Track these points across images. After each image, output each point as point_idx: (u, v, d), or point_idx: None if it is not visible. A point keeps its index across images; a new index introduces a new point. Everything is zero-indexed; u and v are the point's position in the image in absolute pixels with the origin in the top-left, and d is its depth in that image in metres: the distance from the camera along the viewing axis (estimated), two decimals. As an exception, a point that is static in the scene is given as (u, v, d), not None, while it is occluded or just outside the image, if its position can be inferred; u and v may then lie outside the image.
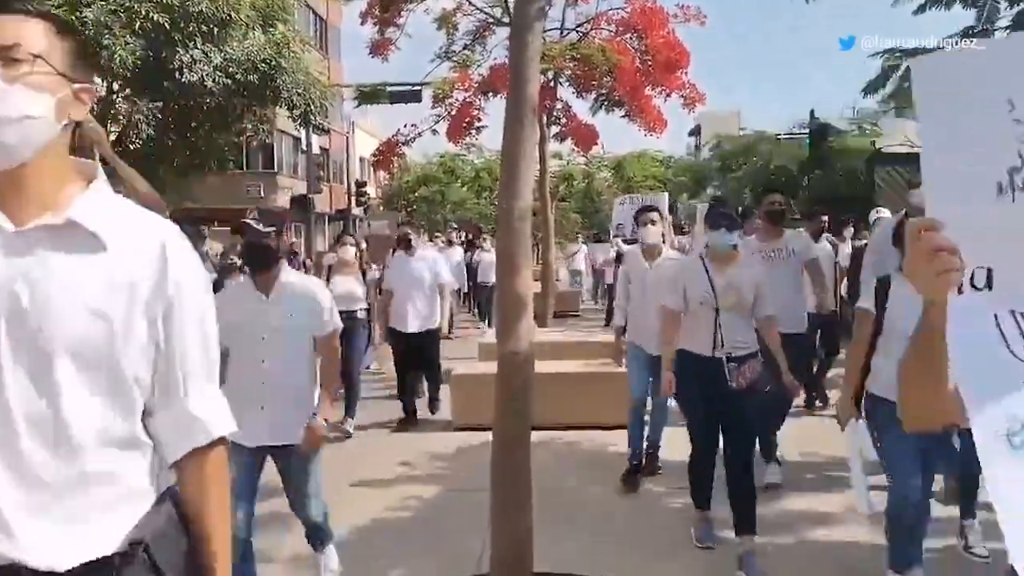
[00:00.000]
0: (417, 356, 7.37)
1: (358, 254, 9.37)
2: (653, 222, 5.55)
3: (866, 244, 7.72)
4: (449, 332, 13.26)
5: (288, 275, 3.65)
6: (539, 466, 3.87)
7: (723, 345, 4.21)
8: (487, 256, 14.27)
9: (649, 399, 5.66)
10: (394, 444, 6.65)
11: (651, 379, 5.44)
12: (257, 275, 3.59)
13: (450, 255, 14.30)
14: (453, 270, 14.03)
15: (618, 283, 6.08)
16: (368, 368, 9.30)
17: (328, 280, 7.07)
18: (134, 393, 1.37)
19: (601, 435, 6.54)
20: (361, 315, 7.26)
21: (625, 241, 12.16)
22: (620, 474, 5.51)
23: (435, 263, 7.54)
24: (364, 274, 7.53)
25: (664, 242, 6.17)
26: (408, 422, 7.35)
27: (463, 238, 19.27)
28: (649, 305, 5.19)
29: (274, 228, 3.47)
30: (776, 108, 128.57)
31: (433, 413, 7.51)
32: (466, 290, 15.90)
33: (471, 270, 15.34)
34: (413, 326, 7.26)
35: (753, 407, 4.29)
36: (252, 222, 3.42)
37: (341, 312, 6.84)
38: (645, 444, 5.66)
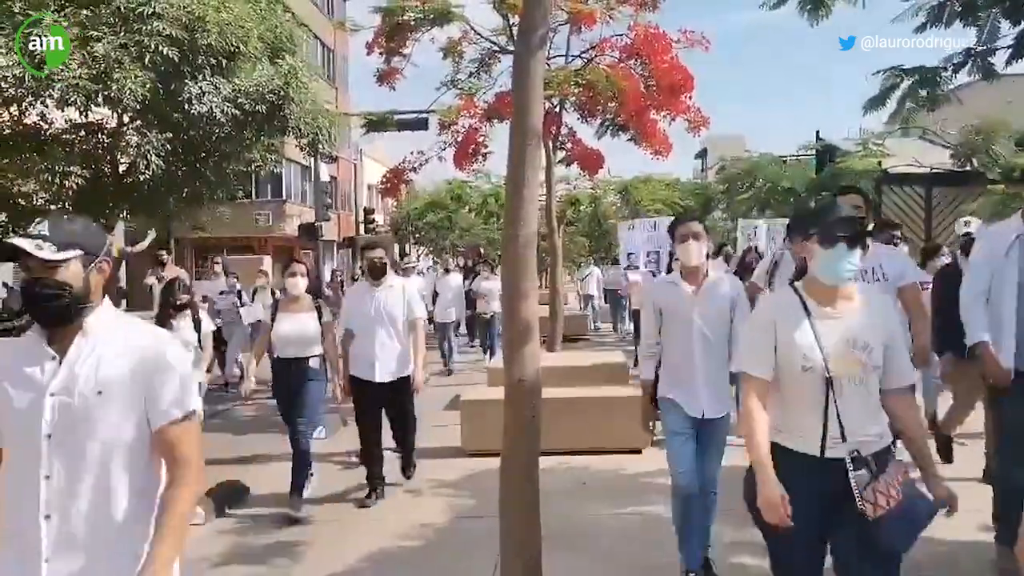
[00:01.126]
0: (386, 407, 6.03)
1: (334, 284, 9.13)
2: (696, 236, 3.96)
3: (948, 264, 6.39)
4: (447, 369, 12.50)
5: (107, 316, 2.09)
6: (548, 492, 3.86)
7: (843, 437, 2.58)
8: (485, 284, 13.01)
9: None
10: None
11: (703, 455, 3.99)
12: (46, 328, 2.05)
13: (448, 283, 13.50)
14: (452, 299, 13.12)
15: (643, 320, 4.25)
16: (321, 436, 7.24)
17: (273, 319, 5.84)
18: None
19: (611, 460, 6.51)
20: (315, 363, 5.75)
21: (629, 268, 11.25)
22: (630, 499, 5.46)
23: (407, 293, 6.03)
24: (320, 312, 5.83)
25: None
26: (373, 493, 5.90)
27: (461, 264, 18.33)
28: (695, 347, 3.91)
29: (81, 250, 2.02)
30: (781, 130, 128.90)
31: (408, 478, 6.28)
32: (465, 320, 14.65)
33: (469, 299, 13.92)
34: (382, 374, 5.84)
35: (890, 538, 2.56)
36: (27, 243, 1.97)
37: (291, 359, 5.68)
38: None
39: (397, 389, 5.93)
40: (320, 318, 5.79)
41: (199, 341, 6.04)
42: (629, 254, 11.04)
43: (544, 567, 3.53)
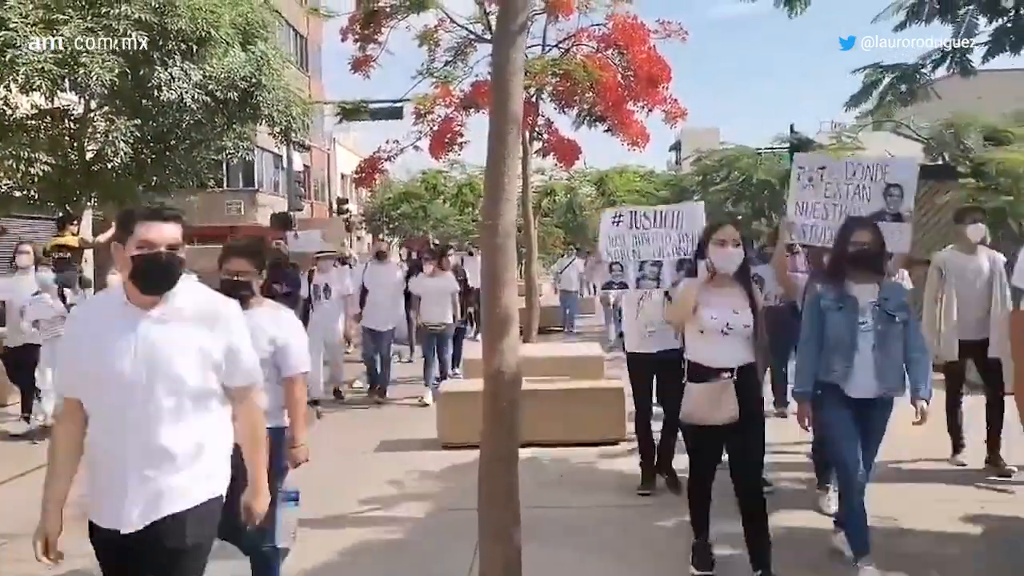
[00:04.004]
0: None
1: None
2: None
3: None
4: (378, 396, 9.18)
5: None
6: (527, 484, 3.82)
7: None
8: (428, 283, 9.45)
9: None
10: (380, 462, 6.57)
11: None
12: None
13: (383, 275, 9.68)
14: (389, 298, 9.57)
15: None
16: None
17: None
18: None
19: (590, 451, 6.49)
20: None
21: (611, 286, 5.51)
22: (608, 491, 5.44)
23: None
24: None
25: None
26: None
27: (404, 256, 12.95)
28: None
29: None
30: (755, 124, 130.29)
31: None
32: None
33: (408, 299, 10.14)
34: (138, 514, 2.44)
35: None
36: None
37: None
38: None
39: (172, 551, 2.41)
40: None
41: None
42: (613, 264, 5.33)
43: (523, 558, 3.49)
